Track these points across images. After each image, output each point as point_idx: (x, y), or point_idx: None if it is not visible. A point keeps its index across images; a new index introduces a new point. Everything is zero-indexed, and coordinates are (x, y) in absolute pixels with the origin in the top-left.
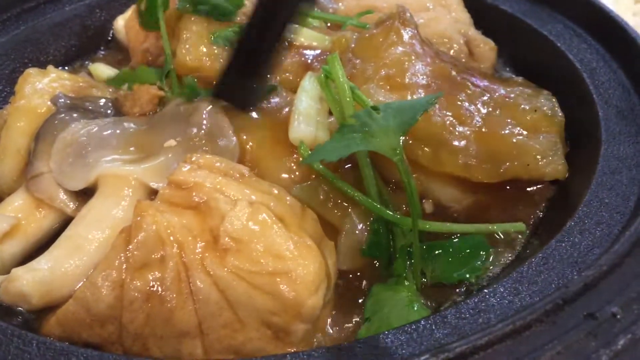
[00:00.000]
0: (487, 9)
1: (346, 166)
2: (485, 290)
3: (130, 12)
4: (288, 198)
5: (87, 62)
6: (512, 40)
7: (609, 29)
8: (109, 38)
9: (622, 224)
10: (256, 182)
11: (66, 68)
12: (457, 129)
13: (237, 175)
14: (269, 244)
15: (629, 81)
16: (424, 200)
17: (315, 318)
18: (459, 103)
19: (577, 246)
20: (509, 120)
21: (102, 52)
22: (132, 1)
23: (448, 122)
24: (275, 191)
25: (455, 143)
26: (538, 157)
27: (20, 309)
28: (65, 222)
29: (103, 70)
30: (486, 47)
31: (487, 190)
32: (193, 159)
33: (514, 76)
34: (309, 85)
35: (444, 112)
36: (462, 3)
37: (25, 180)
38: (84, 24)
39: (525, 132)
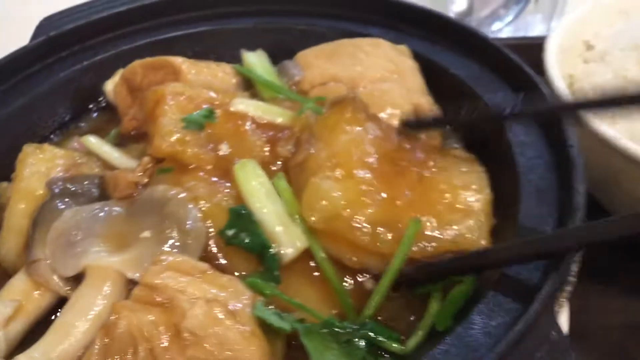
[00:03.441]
0: (440, 72)
1: None
2: None
3: (117, 77)
4: (240, 287)
5: (81, 124)
6: (459, 104)
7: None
8: (101, 99)
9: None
10: (214, 277)
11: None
12: (393, 212)
13: (198, 274)
14: (221, 337)
15: (554, 157)
16: (365, 279)
17: None
18: (399, 187)
19: (477, 340)
20: (442, 201)
21: (95, 113)
22: (121, 64)
23: (387, 205)
24: (231, 285)
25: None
26: (462, 236)
27: None
28: (62, 298)
29: (92, 142)
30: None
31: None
32: (163, 257)
33: (455, 145)
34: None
35: (383, 194)
36: (417, 69)
37: (25, 260)
38: (77, 88)
39: (455, 215)
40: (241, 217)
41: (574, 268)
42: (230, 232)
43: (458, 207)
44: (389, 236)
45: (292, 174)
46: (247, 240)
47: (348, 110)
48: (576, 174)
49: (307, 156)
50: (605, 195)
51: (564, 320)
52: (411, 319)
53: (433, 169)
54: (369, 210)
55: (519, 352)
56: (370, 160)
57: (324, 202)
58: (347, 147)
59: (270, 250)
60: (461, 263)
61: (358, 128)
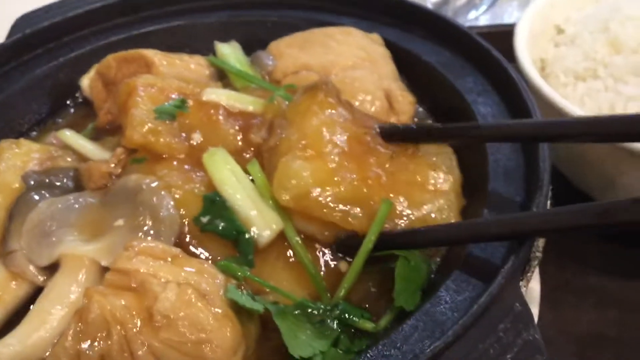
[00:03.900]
0: (412, 59)
1: None
2: None
3: (92, 72)
4: (212, 270)
5: (58, 120)
6: (431, 90)
7: (510, 89)
8: (77, 94)
9: (484, 287)
10: (186, 261)
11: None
12: (363, 190)
13: (169, 258)
14: (193, 319)
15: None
16: (338, 261)
17: None
18: (370, 167)
19: (445, 314)
20: (413, 181)
21: (72, 109)
22: (96, 60)
23: (357, 183)
24: (203, 269)
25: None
26: (433, 215)
27: None
28: (39, 289)
29: (68, 136)
30: (405, 101)
31: None
32: (134, 243)
33: None
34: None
35: (354, 174)
36: (389, 56)
37: (2, 252)
38: (54, 84)
39: (425, 194)
40: (215, 204)
41: (540, 244)
42: (204, 219)
43: (429, 187)
44: (360, 213)
45: (264, 158)
46: (221, 226)
47: (320, 95)
48: (541, 152)
49: (279, 140)
50: (576, 174)
51: (536, 291)
52: (382, 301)
53: (401, 154)
54: (340, 188)
55: (484, 323)
56: (341, 141)
57: (294, 181)
58: (317, 129)
59: (246, 235)
60: (426, 236)
61: (329, 111)
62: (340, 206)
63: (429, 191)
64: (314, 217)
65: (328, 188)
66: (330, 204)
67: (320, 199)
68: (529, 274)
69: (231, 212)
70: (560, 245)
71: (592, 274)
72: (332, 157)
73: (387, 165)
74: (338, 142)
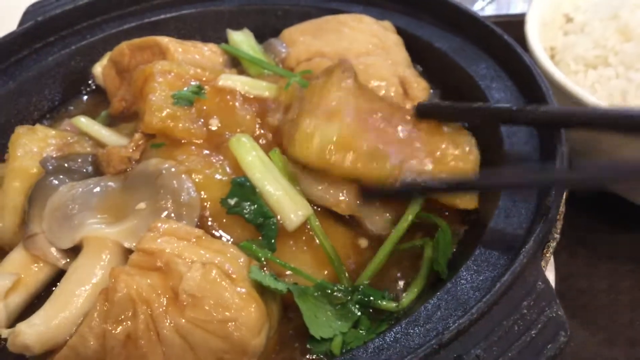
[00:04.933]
0: (424, 46)
1: None
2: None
3: (105, 60)
4: (235, 251)
5: (70, 108)
6: (443, 76)
7: (523, 75)
8: (90, 82)
9: (505, 267)
10: (209, 242)
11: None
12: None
13: (194, 239)
14: (218, 298)
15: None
16: (359, 240)
17: (260, 353)
18: (390, 131)
19: (466, 293)
20: (430, 154)
21: (85, 97)
22: (109, 47)
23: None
24: (226, 249)
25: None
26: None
27: None
28: (60, 272)
29: (84, 122)
30: (419, 87)
31: None
32: (159, 224)
33: None
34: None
35: (373, 138)
36: (401, 43)
37: (22, 236)
38: (66, 72)
39: (446, 168)
40: (243, 188)
41: (558, 225)
42: (232, 201)
43: (450, 162)
44: (383, 167)
45: (284, 131)
46: (248, 209)
47: (338, 72)
48: (558, 136)
49: (297, 113)
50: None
51: (550, 277)
52: (398, 282)
53: (420, 129)
54: (362, 146)
55: (507, 301)
56: (360, 107)
57: (317, 137)
58: (336, 97)
59: (272, 219)
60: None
61: (345, 86)
62: (363, 161)
63: (450, 166)
64: (340, 172)
65: (350, 143)
66: (353, 158)
67: (341, 154)
68: (547, 255)
69: (259, 197)
70: (572, 235)
71: (602, 261)
72: (352, 119)
73: (406, 140)
74: (357, 107)
